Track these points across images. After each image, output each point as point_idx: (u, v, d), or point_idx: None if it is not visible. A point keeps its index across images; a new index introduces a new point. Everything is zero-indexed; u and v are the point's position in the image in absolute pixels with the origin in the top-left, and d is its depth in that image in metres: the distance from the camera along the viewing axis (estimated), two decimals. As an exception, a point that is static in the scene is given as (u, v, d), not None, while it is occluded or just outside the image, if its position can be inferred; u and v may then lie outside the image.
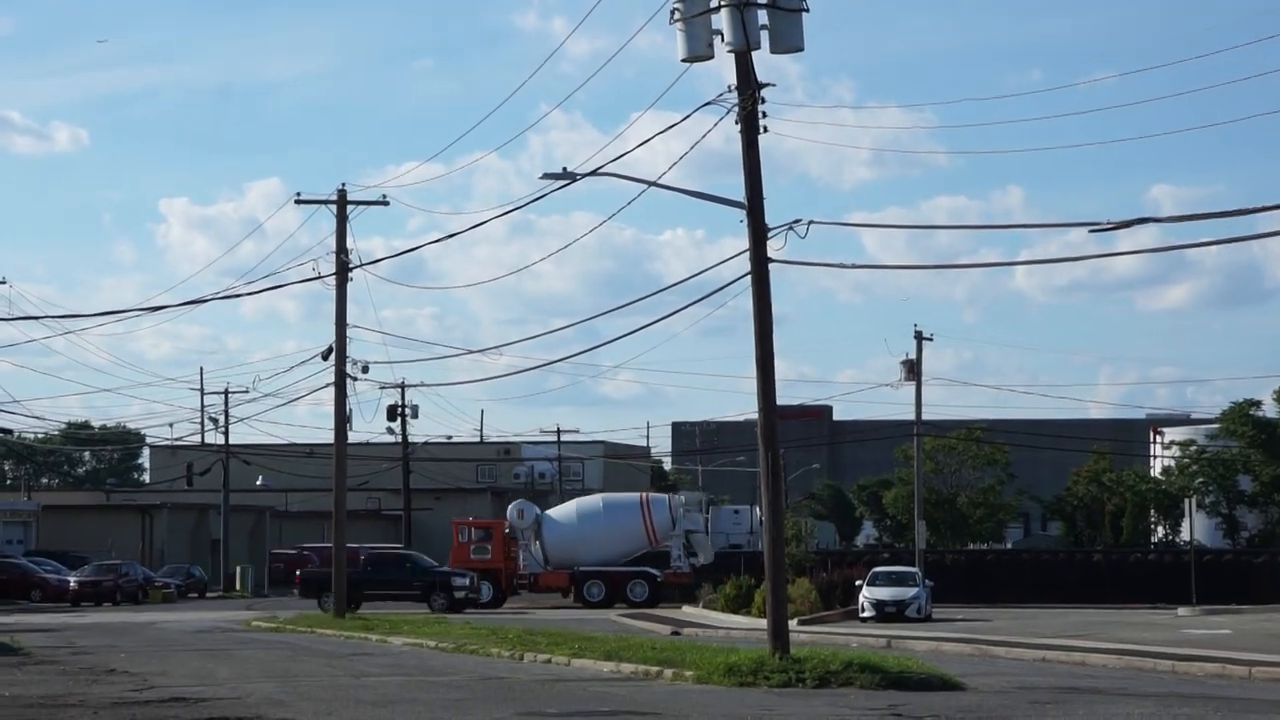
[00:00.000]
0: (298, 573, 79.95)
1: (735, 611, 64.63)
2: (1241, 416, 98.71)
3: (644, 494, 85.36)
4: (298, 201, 61.31)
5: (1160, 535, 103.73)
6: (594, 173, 36.75)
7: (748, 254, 33.80)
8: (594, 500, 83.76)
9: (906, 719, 24.41)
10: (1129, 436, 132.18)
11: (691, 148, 34.24)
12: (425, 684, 31.23)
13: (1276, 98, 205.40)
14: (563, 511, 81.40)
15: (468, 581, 73.17)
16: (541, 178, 38.03)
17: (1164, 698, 28.42)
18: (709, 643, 42.76)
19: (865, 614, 61.57)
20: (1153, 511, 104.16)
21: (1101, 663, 37.77)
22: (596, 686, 30.73)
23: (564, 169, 37.45)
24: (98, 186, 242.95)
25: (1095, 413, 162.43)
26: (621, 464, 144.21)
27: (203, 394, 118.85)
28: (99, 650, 43.21)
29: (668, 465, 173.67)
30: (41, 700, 27.68)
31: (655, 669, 33.29)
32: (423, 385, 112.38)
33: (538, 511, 79.83)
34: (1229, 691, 30.49)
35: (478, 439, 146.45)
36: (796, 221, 32.63)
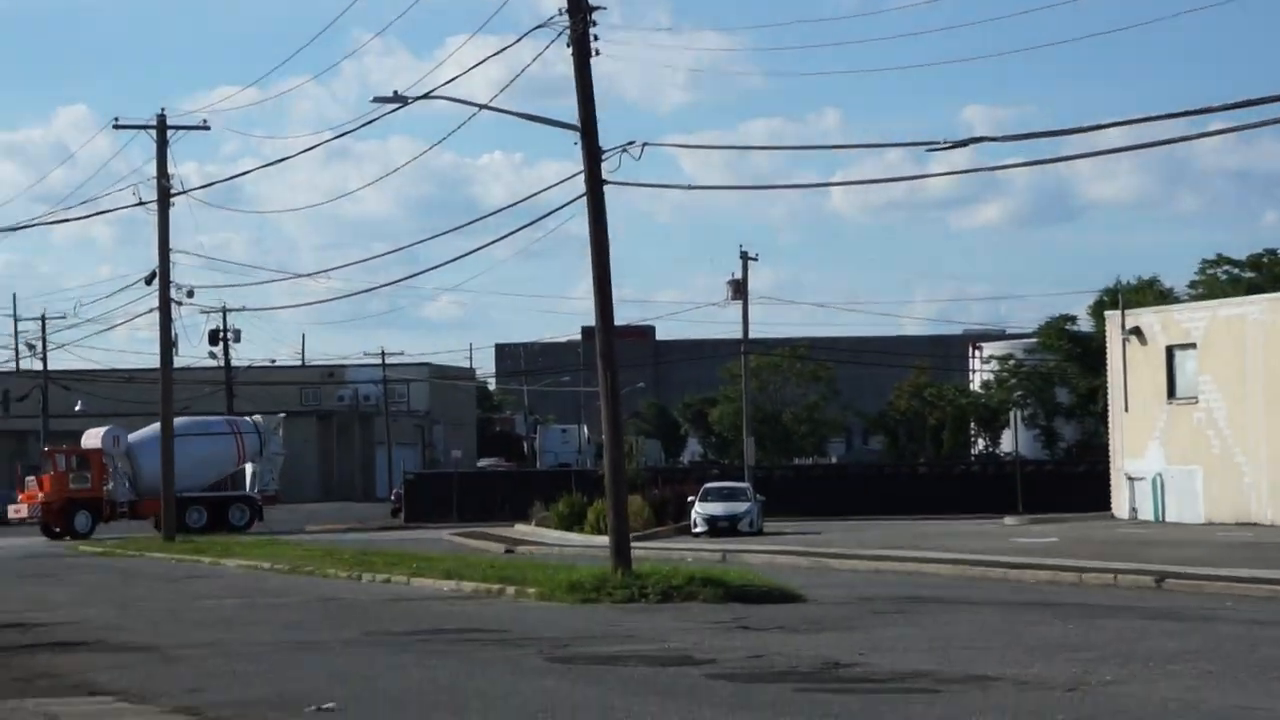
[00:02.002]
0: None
1: (568, 529, 64.66)
2: (1058, 331, 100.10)
3: (231, 418, 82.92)
4: (116, 126, 60.33)
5: (980, 448, 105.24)
6: (426, 95, 36.38)
7: (581, 176, 33.70)
8: (184, 423, 78.13)
9: (754, 630, 24.44)
10: (946, 352, 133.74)
11: (522, 71, 34.07)
12: (265, 606, 30.90)
13: (1077, 21, 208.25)
14: (152, 436, 74.92)
15: None
16: (373, 101, 37.55)
17: (1004, 605, 28.77)
18: (545, 560, 42.75)
19: (698, 529, 61.80)
20: (973, 425, 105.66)
21: (935, 572, 38.15)
22: (438, 605, 30.56)
23: (395, 93, 36.96)
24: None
25: (912, 329, 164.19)
26: (447, 385, 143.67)
27: (16, 320, 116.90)
28: (-75, 579, 42.38)
29: (492, 386, 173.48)
30: None
31: (497, 587, 33.17)
32: (245, 309, 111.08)
33: (129, 437, 76.20)
34: (1064, 597, 30.88)
35: (300, 363, 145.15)
36: (630, 144, 32.67)
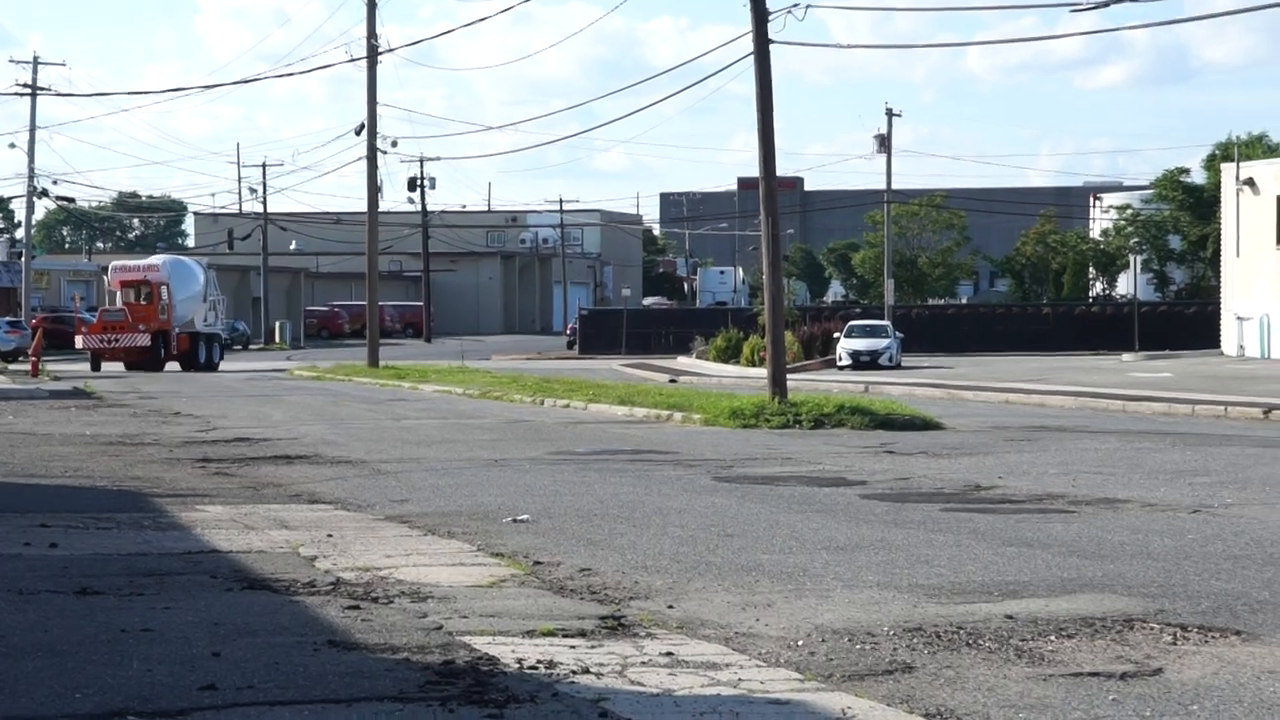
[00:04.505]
0: None
1: (725, 362, 64.58)
2: (1172, 182, 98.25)
3: (195, 260, 73.17)
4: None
5: (1098, 290, 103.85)
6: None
7: (746, 37, 33.16)
8: (185, 262, 70.52)
9: (899, 455, 24.19)
10: (1069, 202, 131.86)
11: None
12: (461, 426, 31.02)
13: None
14: (176, 271, 66.95)
15: None
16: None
17: (1123, 434, 28.29)
18: (705, 389, 42.70)
19: (843, 363, 61.46)
20: (1092, 269, 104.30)
21: (1060, 404, 37.65)
22: (615, 429, 30.55)
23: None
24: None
25: (1037, 181, 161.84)
26: (616, 230, 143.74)
27: (239, 167, 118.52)
28: (162, 395, 43.06)
29: (656, 230, 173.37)
30: (120, 439, 27.45)
31: (665, 413, 33.14)
32: (439, 159, 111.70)
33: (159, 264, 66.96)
34: (1177, 427, 30.38)
35: (486, 208, 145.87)
36: (795, 5, 32.01)
